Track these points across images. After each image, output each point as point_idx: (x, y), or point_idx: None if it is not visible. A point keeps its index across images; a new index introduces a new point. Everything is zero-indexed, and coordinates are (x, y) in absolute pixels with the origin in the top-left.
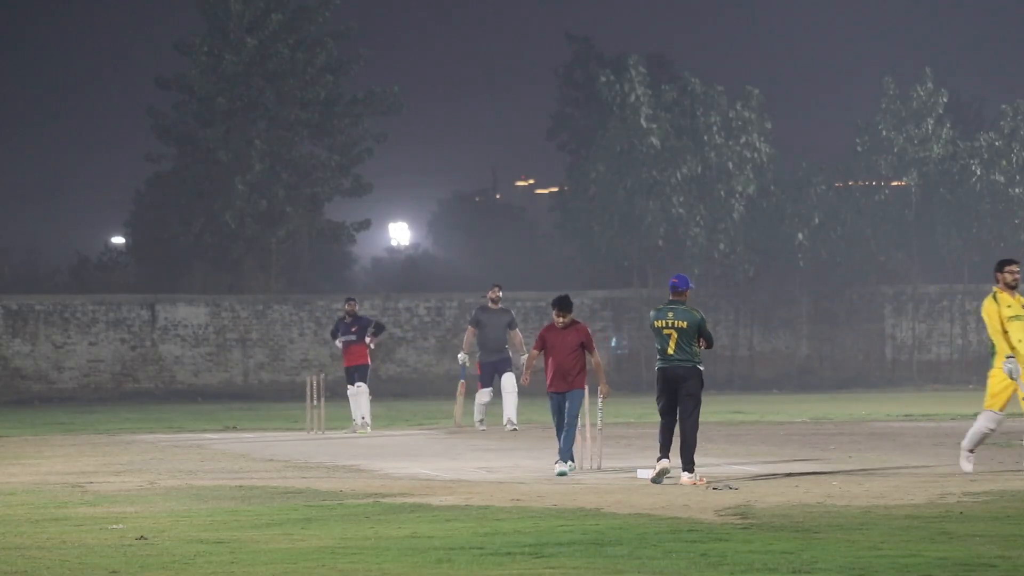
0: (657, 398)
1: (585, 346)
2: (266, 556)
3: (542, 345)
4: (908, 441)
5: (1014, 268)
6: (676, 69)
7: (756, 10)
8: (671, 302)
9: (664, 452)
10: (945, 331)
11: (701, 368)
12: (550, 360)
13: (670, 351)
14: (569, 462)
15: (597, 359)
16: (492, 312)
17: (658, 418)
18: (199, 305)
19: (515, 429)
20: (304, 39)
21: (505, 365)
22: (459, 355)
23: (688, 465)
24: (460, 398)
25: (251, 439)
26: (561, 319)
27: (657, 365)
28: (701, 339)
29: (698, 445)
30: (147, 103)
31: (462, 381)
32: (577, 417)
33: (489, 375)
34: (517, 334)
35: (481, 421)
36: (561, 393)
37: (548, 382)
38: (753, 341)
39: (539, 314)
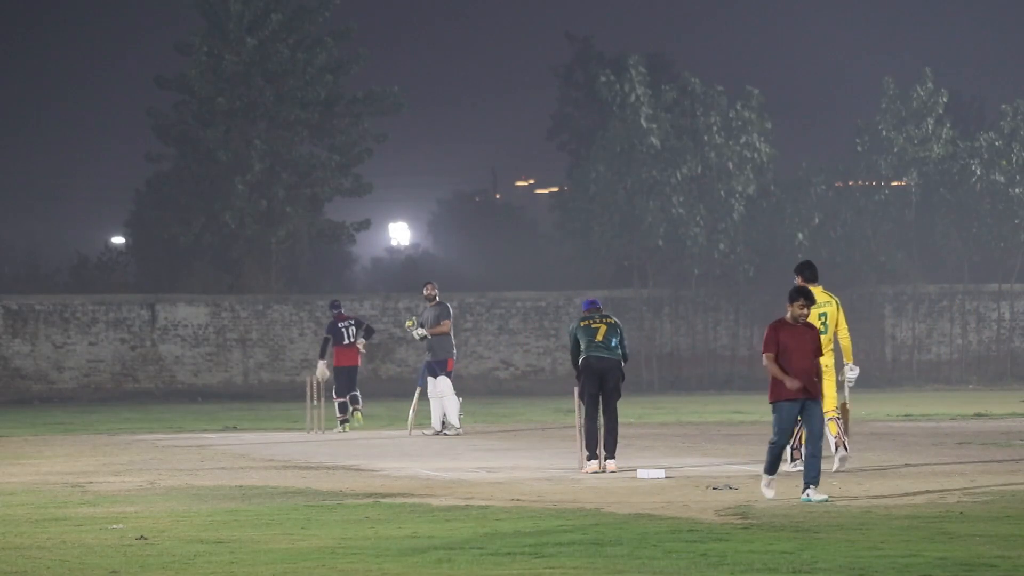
0: (584, 391)
1: (817, 350)
2: (266, 556)
3: (776, 347)
4: (908, 441)
5: None
6: (676, 69)
7: (756, 10)
8: (592, 313)
9: (594, 451)
10: (945, 331)
11: (623, 364)
12: (782, 363)
13: (599, 339)
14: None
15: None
16: (428, 310)
17: (656, 418)
18: (199, 305)
19: (459, 433)
20: (304, 39)
21: (441, 367)
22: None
23: (614, 452)
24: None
25: (251, 439)
26: (806, 311)
27: (583, 356)
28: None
29: (698, 445)
30: (147, 103)
31: (419, 388)
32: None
33: (424, 376)
34: (446, 324)
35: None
36: (801, 401)
37: (776, 390)
38: (753, 341)
39: (539, 314)
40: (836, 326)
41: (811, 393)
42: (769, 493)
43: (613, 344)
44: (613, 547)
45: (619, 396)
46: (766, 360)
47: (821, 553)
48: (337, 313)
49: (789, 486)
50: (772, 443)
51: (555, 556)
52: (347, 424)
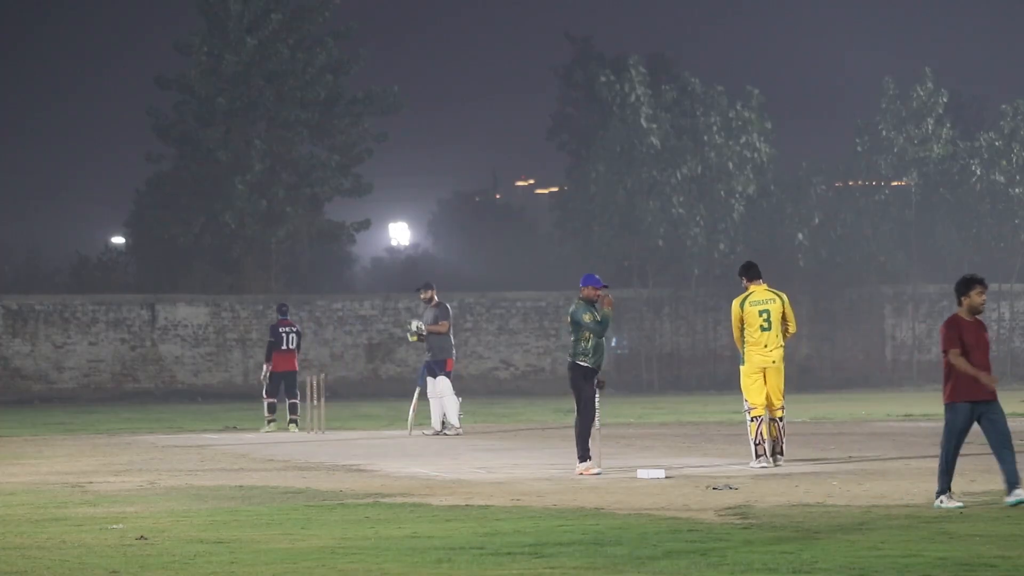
0: (581, 395)
1: (988, 346)
2: (266, 556)
3: (961, 344)
4: (908, 441)
5: None
6: (676, 69)
7: (756, 11)
8: (580, 302)
9: (586, 451)
10: None
11: (574, 361)
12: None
13: (583, 343)
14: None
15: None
16: (427, 311)
17: (656, 418)
18: (199, 305)
19: (459, 433)
20: (304, 39)
21: (440, 367)
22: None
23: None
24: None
25: (251, 439)
26: (984, 296)
27: (570, 359)
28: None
29: (698, 445)
30: (147, 103)
31: (419, 388)
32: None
33: (423, 376)
34: (443, 324)
35: (413, 427)
36: (986, 403)
37: (957, 389)
38: None
39: (539, 314)
40: (784, 321)
41: (991, 394)
42: (952, 503)
43: (583, 348)
44: (613, 547)
45: (578, 395)
46: (953, 357)
47: (821, 553)
48: (282, 319)
49: (789, 485)
50: (945, 448)
51: (555, 556)
52: (274, 424)
